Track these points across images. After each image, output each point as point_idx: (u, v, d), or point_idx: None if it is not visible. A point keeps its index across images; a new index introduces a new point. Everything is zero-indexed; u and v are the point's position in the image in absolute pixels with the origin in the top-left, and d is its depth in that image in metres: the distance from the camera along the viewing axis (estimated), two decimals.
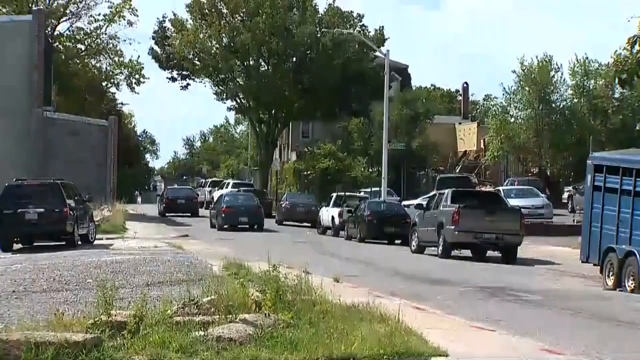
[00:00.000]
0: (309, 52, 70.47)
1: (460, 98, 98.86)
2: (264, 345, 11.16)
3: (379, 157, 54.30)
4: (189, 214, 58.37)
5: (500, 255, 32.18)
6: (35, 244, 31.09)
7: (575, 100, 63.92)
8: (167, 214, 58.38)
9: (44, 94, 47.89)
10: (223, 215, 46.50)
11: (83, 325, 11.48)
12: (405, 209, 43.15)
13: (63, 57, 66.39)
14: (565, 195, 56.11)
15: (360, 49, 69.37)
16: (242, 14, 70.60)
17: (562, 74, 63.71)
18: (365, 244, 38.88)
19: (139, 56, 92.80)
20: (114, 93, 76.55)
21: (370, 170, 67.69)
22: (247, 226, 46.55)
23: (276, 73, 69.80)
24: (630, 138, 56.73)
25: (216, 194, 67.50)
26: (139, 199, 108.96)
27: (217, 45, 71.24)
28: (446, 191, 34.50)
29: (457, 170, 73.31)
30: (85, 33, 68.77)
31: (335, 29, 66.20)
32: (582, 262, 26.73)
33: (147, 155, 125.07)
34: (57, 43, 66.28)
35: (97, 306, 12.16)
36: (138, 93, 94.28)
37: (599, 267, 24.48)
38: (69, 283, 17.28)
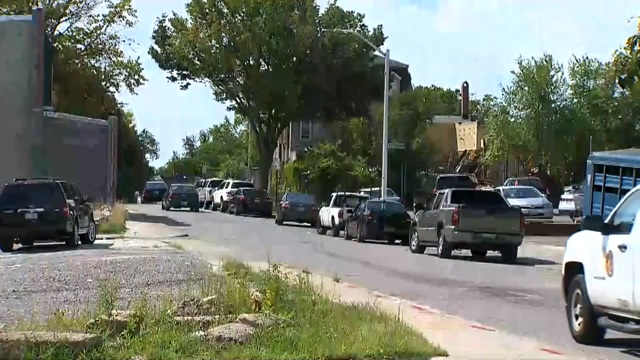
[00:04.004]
0: (309, 52, 70.38)
1: (460, 98, 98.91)
2: (264, 345, 11.14)
3: (379, 157, 54.29)
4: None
5: (500, 255, 32.14)
6: (35, 243, 31.04)
7: (575, 100, 63.91)
8: (145, 202, 77.77)
9: (44, 94, 47.83)
10: (169, 199, 65.85)
11: (83, 324, 11.47)
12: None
13: (63, 57, 66.37)
14: (565, 195, 56.02)
15: (360, 49, 69.30)
16: (242, 14, 70.55)
17: (562, 73, 63.75)
18: (365, 243, 38.85)
19: (138, 57, 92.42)
20: (113, 92, 76.58)
21: (370, 170, 67.69)
22: (188, 208, 63.58)
23: (276, 73, 69.70)
24: (630, 138, 56.76)
25: (216, 193, 67.92)
26: (139, 199, 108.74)
27: (217, 45, 71.15)
28: (446, 191, 34.40)
29: (457, 170, 73.42)
30: (85, 33, 68.81)
31: (335, 28, 66.15)
32: None
33: (147, 155, 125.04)
34: (57, 43, 66.26)
35: (97, 306, 12.15)
36: (137, 94, 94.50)
37: None
38: (68, 283, 17.27)
